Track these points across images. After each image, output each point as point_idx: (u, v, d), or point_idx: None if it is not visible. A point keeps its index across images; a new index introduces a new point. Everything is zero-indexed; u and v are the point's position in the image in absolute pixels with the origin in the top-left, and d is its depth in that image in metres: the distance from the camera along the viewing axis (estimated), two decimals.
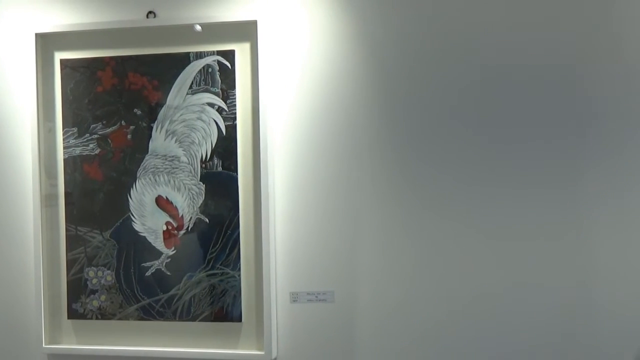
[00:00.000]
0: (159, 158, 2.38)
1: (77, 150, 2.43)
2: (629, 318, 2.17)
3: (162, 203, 2.39)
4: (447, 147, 2.24)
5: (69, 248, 2.45)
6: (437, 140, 2.26)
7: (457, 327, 2.25)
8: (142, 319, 2.41)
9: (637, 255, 2.16)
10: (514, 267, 2.22)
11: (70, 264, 2.45)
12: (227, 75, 2.33)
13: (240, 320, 2.34)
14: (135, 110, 2.40)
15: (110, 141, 2.42)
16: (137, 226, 2.40)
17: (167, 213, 2.38)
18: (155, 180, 2.39)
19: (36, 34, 2.43)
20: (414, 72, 2.26)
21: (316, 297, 2.32)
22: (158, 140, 2.38)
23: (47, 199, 2.45)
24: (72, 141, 2.44)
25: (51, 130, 2.46)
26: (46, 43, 2.46)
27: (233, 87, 2.33)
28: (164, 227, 2.39)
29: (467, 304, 2.24)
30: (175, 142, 2.37)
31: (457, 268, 2.25)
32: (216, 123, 2.35)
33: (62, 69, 2.44)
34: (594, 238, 2.18)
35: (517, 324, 2.22)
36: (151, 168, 2.39)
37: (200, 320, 2.37)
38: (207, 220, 2.35)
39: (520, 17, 2.20)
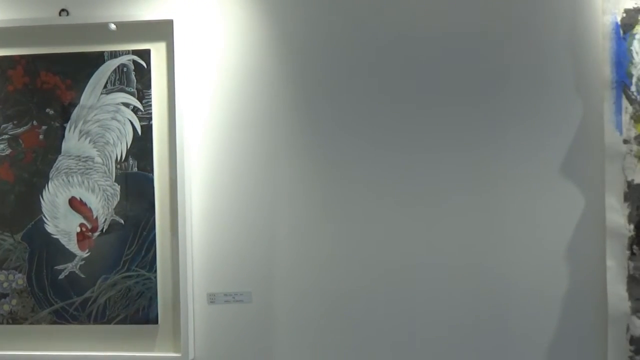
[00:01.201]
0: (73, 159, 2.34)
1: None
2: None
3: (76, 204, 2.34)
4: (365, 145, 2.28)
5: None
6: (355, 136, 2.29)
7: (377, 318, 2.29)
8: (55, 322, 2.35)
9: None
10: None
11: None
12: (143, 75, 2.31)
13: (156, 322, 2.32)
14: (47, 110, 2.35)
15: (21, 142, 2.36)
16: (50, 228, 2.35)
17: (80, 215, 2.34)
18: (69, 182, 2.34)
19: None
20: (330, 68, 2.29)
21: (233, 297, 2.32)
22: (71, 141, 2.34)
23: None
24: None
25: None
26: None
27: (149, 86, 2.31)
28: (78, 229, 2.34)
29: (392, 298, 2.29)
30: (89, 142, 2.33)
31: (377, 253, 2.29)
32: (131, 123, 2.32)
33: None
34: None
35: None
36: (64, 169, 2.34)
37: (115, 323, 2.33)
38: (123, 222, 2.32)
39: None
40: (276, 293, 2.30)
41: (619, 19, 2.19)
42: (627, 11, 2.19)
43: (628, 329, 2.18)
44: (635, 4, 2.18)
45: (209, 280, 2.32)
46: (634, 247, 2.18)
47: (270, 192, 2.30)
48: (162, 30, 2.29)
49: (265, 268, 2.30)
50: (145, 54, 2.31)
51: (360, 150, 2.29)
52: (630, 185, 2.18)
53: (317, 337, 2.30)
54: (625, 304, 2.18)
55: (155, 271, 2.31)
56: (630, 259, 2.18)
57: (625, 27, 2.19)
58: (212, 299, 2.32)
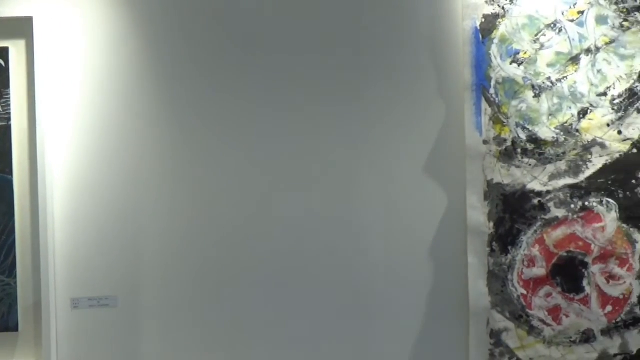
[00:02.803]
0: None
1: None
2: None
3: None
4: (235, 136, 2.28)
5: None
6: (221, 135, 2.28)
7: (246, 318, 2.30)
8: None
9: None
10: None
11: None
12: (1, 74, 2.23)
13: (16, 329, 2.23)
14: None
15: None
16: None
17: None
18: None
19: None
20: (197, 61, 2.28)
21: (98, 302, 2.26)
22: None
23: None
24: None
25: None
26: None
27: (7, 86, 2.23)
28: None
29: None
30: None
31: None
32: None
33: None
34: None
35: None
36: None
37: None
38: None
39: None
40: (143, 297, 2.27)
41: (478, 24, 2.27)
42: (485, 16, 2.27)
43: (488, 323, 2.26)
44: (494, 10, 2.26)
45: (73, 285, 2.26)
46: (494, 244, 2.26)
47: (135, 195, 2.26)
48: (22, 27, 2.22)
49: (132, 271, 2.26)
50: (3, 52, 2.23)
51: (232, 155, 2.28)
52: (490, 184, 2.26)
53: (185, 340, 2.27)
54: (486, 299, 2.26)
55: (16, 276, 2.23)
56: (490, 255, 2.26)
57: (484, 32, 2.27)
58: (75, 304, 2.26)
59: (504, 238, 2.25)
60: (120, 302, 2.26)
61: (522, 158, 2.25)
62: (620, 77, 2.23)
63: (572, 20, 2.24)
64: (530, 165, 2.24)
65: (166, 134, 2.27)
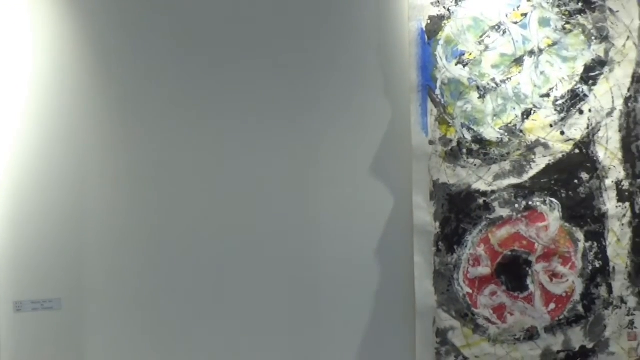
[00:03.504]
0: None
1: None
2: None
3: None
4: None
5: None
6: (166, 131, 2.28)
7: (190, 318, 2.28)
8: None
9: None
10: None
11: None
12: None
13: None
14: None
15: None
16: None
17: None
18: None
19: None
20: (141, 61, 2.27)
21: (42, 305, 2.23)
22: None
23: None
24: None
25: None
26: None
27: None
28: None
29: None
30: None
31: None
32: None
33: None
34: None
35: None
36: None
37: None
38: None
39: None
40: (87, 299, 2.24)
41: (423, 25, 2.29)
42: (431, 18, 2.29)
43: (434, 321, 2.28)
44: (439, 11, 2.28)
45: (15, 288, 2.22)
46: (440, 243, 2.28)
47: (78, 195, 2.24)
48: None
49: (76, 274, 2.24)
50: None
51: (178, 157, 2.27)
52: (435, 184, 2.28)
53: (130, 341, 2.25)
54: (432, 298, 2.28)
55: None
56: (436, 255, 2.28)
57: (429, 34, 2.29)
58: (18, 307, 2.22)
59: (450, 237, 2.28)
60: (64, 305, 2.23)
61: (468, 158, 2.27)
62: (563, 78, 2.27)
63: (515, 23, 2.28)
64: (475, 165, 2.27)
65: (109, 133, 2.25)
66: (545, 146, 2.27)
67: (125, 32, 2.26)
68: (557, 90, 2.27)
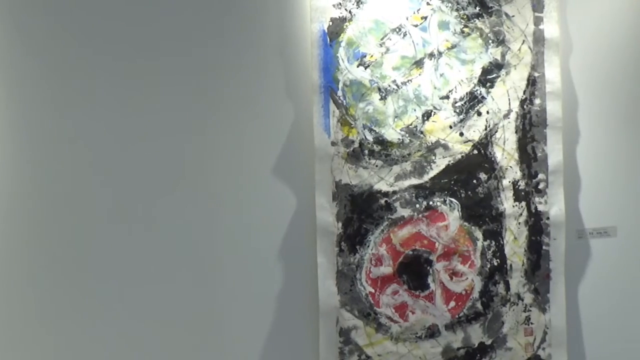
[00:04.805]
0: None
1: None
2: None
3: None
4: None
5: None
6: (62, 129, 2.24)
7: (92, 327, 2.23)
8: None
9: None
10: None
11: None
12: None
13: None
14: None
15: None
16: None
17: None
18: None
19: None
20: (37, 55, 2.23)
21: None
22: None
23: None
24: None
25: None
26: None
27: None
28: None
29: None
30: None
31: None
32: None
33: None
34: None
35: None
36: None
37: None
38: None
39: None
40: None
41: (325, 27, 2.30)
42: (333, 20, 2.30)
43: (338, 321, 2.29)
44: (341, 13, 2.30)
45: None
46: (342, 243, 2.30)
47: None
48: None
49: None
50: None
51: (73, 155, 2.22)
52: (338, 185, 2.30)
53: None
54: (335, 298, 2.29)
55: None
56: (339, 255, 2.30)
57: (331, 35, 2.30)
58: None
59: (352, 238, 2.29)
60: None
61: (369, 159, 2.30)
62: (462, 80, 2.32)
63: (416, 25, 2.31)
64: (377, 166, 2.30)
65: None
66: (445, 147, 2.31)
67: (27, 28, 2.22)
68: (456, 92, 2.31)
